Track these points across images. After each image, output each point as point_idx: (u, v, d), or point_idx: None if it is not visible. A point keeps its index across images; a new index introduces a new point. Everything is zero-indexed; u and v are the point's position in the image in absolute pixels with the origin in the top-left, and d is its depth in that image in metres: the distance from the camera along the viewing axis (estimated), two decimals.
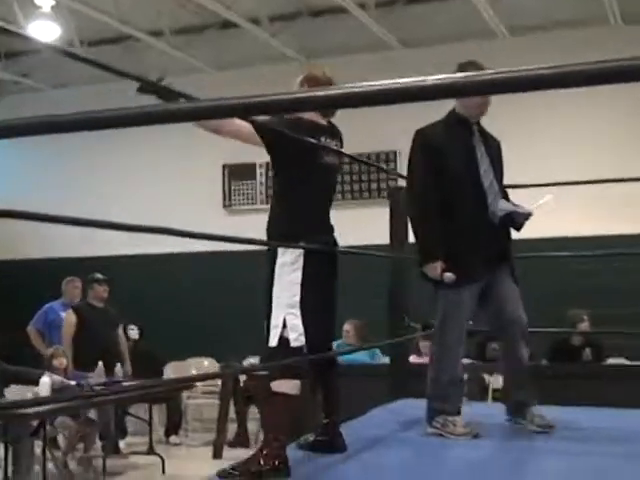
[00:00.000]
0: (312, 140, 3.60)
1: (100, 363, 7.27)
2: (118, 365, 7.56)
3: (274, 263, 3.54)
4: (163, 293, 11.72)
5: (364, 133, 11.34)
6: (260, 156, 10.44)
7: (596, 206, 9.81)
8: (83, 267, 10.13)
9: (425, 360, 7.55)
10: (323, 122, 3.81)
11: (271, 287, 3.52)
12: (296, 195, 3.65)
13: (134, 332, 9.08)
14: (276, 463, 3.26)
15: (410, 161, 4.32)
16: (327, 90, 1.55)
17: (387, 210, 10.84)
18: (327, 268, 3.67)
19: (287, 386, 3.41)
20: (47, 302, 9.22)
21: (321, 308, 3.57)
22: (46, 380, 6.16)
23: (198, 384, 9.11)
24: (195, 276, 11.82)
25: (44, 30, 10.14)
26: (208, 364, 10.12)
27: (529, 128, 10.75)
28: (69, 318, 8.47)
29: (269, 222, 3.70)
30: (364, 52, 11.36)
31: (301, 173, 3.65)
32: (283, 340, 3.47)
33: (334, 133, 3.86)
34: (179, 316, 11.24)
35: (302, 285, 3.46)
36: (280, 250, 3.53)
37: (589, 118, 10.67)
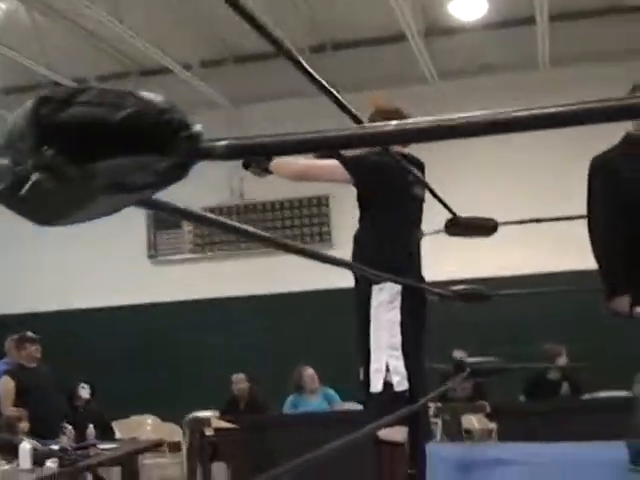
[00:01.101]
0: (402, 171, 3.45)
1: (70, 427, 6.80)
2: (91, 427, 7.10)
3: (368, 301, 3.33)
4: (102, 348, 11.28)
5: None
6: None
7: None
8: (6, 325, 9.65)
9: None
10: (406, 151, 3.64)
11: (367, 328, 3.32)
12: (389, 226, 3.49)
13: (85, 391, 8.59)
14: None
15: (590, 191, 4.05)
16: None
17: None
18: (421, 306, 3.46)
19: (395, 434, 3.25)
20: None
21: (419, 349, 3.39)
22: (27, 447, 5.59)
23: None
24: (128, 330, 11.43)
25: None
26: (152, 421, 9.71)
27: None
28: (6, 384, 7.92)
29: (359, 256, 3.54)
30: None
31: (394, 204, 3.51)
32: (387, 384, 3.29)
33: (419, 163, 3.71)
34: (118, 372, 10.82)
35: (401, 324, 3.28)
36: (376, 288, 3.32)
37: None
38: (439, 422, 6.84)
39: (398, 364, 3.27)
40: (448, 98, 10.90)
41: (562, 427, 6.05)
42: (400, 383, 3.27)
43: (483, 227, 4.34)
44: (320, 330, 10.49)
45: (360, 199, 3.64)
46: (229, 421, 6.77)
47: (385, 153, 3.23)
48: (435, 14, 9.98)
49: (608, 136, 4.15)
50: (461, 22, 10.12)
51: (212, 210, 11.79)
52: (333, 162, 3.43)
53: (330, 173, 3.51)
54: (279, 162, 3.51)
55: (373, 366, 3.27)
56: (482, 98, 10.70)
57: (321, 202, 11.47)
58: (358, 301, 3.38)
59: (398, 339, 3.26)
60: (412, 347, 3.30)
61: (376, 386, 3.27)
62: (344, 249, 11.18)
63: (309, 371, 7.63)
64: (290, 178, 3.57)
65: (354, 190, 10.22)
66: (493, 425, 6.92)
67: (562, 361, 7.76)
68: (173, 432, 9.13)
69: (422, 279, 3.58)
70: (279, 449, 6.51)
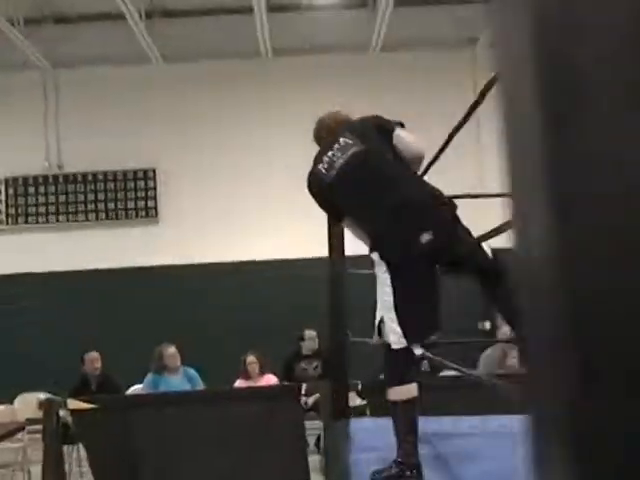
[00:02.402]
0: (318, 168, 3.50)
1: None
2: None
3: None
4: None
5: (122, 149, 10.88)
6: None
7: None
8: None
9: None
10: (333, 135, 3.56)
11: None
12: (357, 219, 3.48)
13: None
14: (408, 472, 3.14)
15: None
16: None
17: (147, 230, 10.81)
18: (416, 262, 3.26)
19: (400, 393, 3.19)
20: None
21: (415, 306, 3.27)
22: None
23: None
24: None
25: None
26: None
27: None
28: None
29: None
30: None
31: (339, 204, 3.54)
32: (388, 345, 3.26)
33: (350, 130, 3.58)
34: None
35: (391, 285, 3.22)
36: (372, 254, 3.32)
37: None
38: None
39: (393, 325, 3.22)
40: (280, 74, 10.95)
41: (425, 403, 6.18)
42: (396, 342, 3.18)
43: None
44: (178, 309, 10.27)
45: None
46: (86, 401, 6.36)
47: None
48: None
49: None
50: (300, 2, 10.09)
51: (25, 180, 11.08)
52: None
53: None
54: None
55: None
56: (311, 76, 10.87)
57: (147, 175, 11.05)
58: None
59: (390, 300, 3.18)
60: (407, 306, 3.23)
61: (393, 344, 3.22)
62: (170, 225, 11.04)
63: (171, 350, 7.33)
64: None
65: (183, 163, 10.08)
66: (364, 402, 6.97)
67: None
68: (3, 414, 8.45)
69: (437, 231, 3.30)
70: (139, 430, 6.23)
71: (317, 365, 8.37)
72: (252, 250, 10.51)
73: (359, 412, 7.58)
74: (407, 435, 3.21)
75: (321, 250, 9.87)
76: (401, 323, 3.21)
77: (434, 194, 3.39)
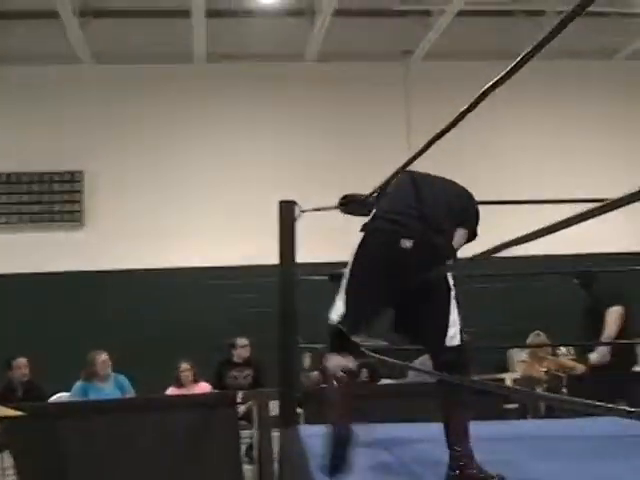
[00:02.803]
0: None
1: None
2: None
3: None
4: None
5: (48, 150, 10.64)
6: None
7: None
8: None
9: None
10: None
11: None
12: None
13: None
14: None
15: None
16: None
17: (71, 235, 10.53)
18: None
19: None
20: None
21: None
22: None
23: None
24: None
25: None
26: None
27: None
28: None
29: None
30: None
31: None
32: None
33: None
34: None
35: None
36: None
37: None
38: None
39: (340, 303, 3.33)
40: (214, 80, 10.87)
41: (364, 411, 6.18)
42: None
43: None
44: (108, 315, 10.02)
45: None
46: (14, 409, 6.16)
47: None
48: None
49: None
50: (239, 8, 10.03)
51: None
52: None
53: None
54: None
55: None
56: (245, 84, 10.83)
57: (74, 178, 10.78)
58: None
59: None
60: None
61: None
62: (95, 230, 10.79)
63: (103, 357, 7.14)
64: None
65: (110, 167, 9.70)
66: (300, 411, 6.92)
67: None
68: None
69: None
70: (67, 438, 6.08)
71: (248, 374, 8.28)
72: (182, 257, 10.36)
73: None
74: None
75: (256, 257, 9.95)
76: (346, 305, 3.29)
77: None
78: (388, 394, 7.09)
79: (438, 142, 2.62)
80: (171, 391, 7.50)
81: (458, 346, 3.30)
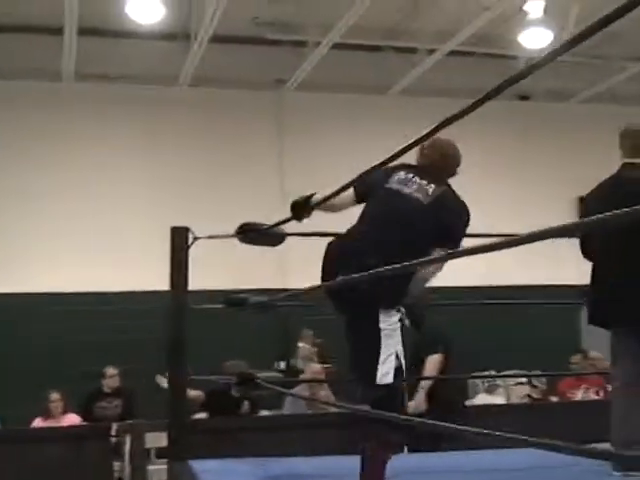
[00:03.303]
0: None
1: None
2: None
3: None
4: None
5: None
6: None
7: None
8: None
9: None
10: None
11: None
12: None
13: None
14: None
15: None
16: None
17: None
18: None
19: None
20: None
21: None
22: None
23: None
24: None
25: None
26: None
27: None
28: None
29: None
30: None
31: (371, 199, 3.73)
32: None
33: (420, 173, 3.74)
34: None
35: None
36: None
37: None
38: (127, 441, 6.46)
39: None
40: (80, 100, 10.56)
41: (247, 443, 6.12)
42: None
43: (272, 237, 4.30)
44: None
45: None
46: None
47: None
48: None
49: None
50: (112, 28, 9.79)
51: None
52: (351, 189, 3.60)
53: (348, 199, 3.76)
54: (324, 207, 3.74)
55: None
56: (113, 105, 10.58)
57: None
58: None
59: None
60: None
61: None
62: None
63: None
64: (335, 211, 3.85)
65: None
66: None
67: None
68: None
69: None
70: None
71: (117, 404, 8.00)
72: (56, 282, 9.88)
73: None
74: None
75: (130, 284, 9.69)
76: None
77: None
78: (268, 426, 7.02)
79: None
80: (37, 423, 7.14)
81: (387, 385, 3.35)
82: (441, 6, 9.47)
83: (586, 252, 4.04)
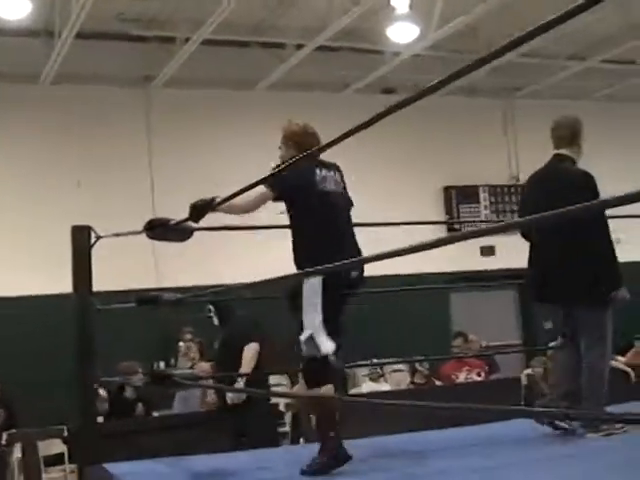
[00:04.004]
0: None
1: None
2: None
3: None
4: None
5: None
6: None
7: None
8: None
9: None
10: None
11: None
12: (308, 224, 3.92)
13: None
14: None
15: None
16: None
17: None
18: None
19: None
20: None
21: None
22: None
23: None
24: None
25: None
26: None
27: None
28: None
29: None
30: None
31: (306, 203, 3.92)
32: None
33: (327, 165, 4.08)
34: None
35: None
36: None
37: None
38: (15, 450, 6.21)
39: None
40: None
41: (142, 445, 6.07)
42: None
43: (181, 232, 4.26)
44: None
45: (288, 211, 4.02)
46: None
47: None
48: None
49: None
50: None
51: None
52: (259, 188, 3.72)
53: (262, 198, 3.90)
54: (226, 208, 3.85)
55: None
56: None
57: None
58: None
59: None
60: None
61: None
62: None
63: None
64: (240, 214, 3.99)
65: None
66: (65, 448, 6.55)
67: (138, 379, 7.62)
68: None
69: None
70: None
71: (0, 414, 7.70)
72: None
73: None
74: (329, 430, 3.66)
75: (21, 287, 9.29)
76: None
77: None
78: (163, 426, 6.97)
79: None
80: None
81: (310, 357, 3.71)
82: (311, 1, 9.59)
83: (525, 235, 4.61)
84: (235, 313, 6.98)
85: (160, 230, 4.28)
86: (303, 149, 3.72)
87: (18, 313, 9.44)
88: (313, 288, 3.66)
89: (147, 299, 4.44)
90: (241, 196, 3.55)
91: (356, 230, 4.18)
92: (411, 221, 7.60)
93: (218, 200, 3.74)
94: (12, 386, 8.01)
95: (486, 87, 12.13)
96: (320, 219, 3.91)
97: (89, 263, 4.66)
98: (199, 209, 3.81)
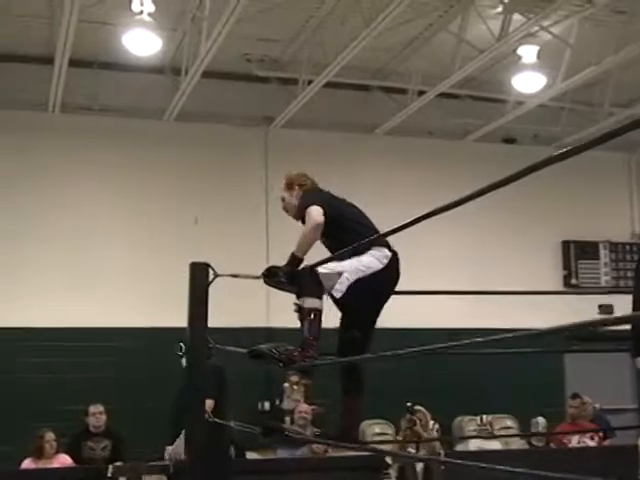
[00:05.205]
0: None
1: None
2: None
3: None
4: None
5: None
6: None
7: None
8: None
9: None
10: None
11: None
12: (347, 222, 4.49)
13: None
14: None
15: None
16: None
17: None
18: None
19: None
20: None
21: None
22: None
23: None
24: None
25: None
26: None
27: None
28: None
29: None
30: None
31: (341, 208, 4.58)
32: None
33: None
34: None
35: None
36: None
37: None
38: None
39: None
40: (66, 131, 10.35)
41: None
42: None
43: None
44: None
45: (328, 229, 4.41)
46: None
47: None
48: None
49: None
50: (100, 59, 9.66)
51: None
52: (314, 209, 4.33)
53: (319, 216, 4.34)
54: (300, 245, 4.29)
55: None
56: (97, 137, 10.40)
57: None
58: None
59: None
60: None
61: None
62: None
63: None
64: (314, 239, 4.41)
65: None
66: None
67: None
68: None
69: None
70: None
71: (106, 445, 7.72)
72: (41, 317, 9.57)
73: None
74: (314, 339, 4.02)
75: (119, 319, 9.45)
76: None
77: None
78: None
79: None
80: (28, 464, 6.83)
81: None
82: (435, 48, 9.52)
83: None
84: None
85: (276, 280, 4.35)
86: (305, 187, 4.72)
87: (130, 346, 9.54)
88: (361, 262, 4.20)
89: (258, 354, 4.41)
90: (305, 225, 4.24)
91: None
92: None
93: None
94: (121, 416, 8.06)
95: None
96: (355, 215, 4.58)
97: (206, 299, 4.63)
98: (272, 273, 4.28)
